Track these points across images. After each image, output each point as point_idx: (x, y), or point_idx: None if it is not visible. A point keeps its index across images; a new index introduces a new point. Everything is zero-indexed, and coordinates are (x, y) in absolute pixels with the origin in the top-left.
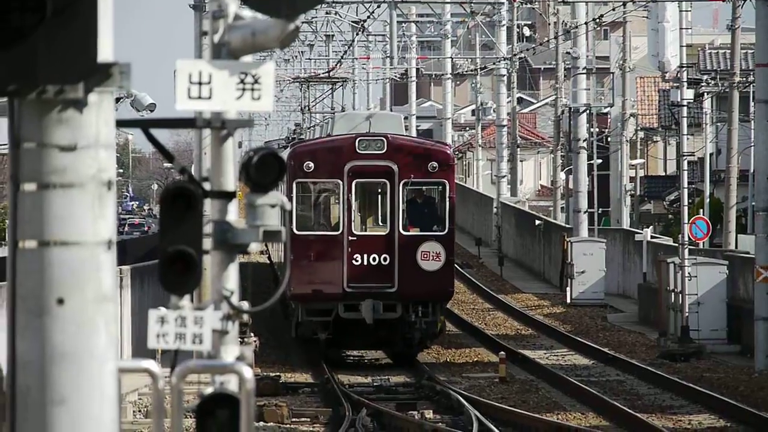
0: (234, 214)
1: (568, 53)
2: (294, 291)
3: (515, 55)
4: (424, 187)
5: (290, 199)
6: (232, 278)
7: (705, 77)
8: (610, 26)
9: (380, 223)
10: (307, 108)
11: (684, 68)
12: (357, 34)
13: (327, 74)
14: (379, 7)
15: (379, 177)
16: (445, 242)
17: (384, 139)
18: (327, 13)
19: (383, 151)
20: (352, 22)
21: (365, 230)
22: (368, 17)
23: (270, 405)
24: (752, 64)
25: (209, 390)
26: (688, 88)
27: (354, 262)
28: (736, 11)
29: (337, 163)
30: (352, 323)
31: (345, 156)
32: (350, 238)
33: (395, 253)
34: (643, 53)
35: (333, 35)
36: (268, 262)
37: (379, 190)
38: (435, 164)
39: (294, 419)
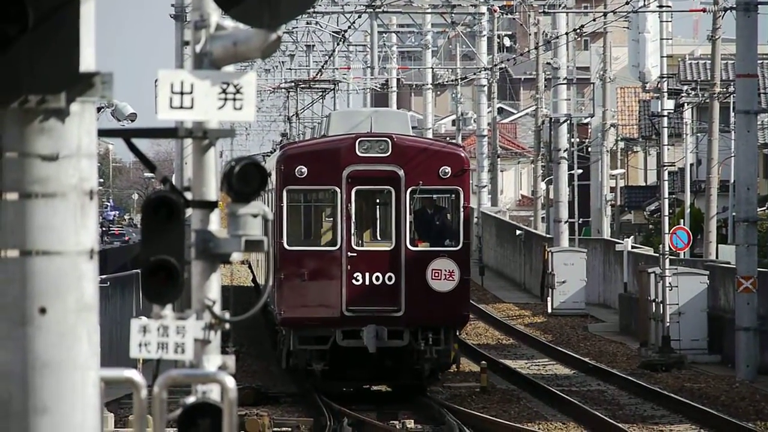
0: (216, 223)
1: (548, 64)
2: (284, 315)
3: (496, 65)
4: (434, 196)
5: (280, 209)
6: (214, 288)
7: (685, 88)
8: (590, 37)
9: (384, 237)
10: (295, 115)
11: (664, 79)
12: (338, 44)
13: (310, 82)
14: (360, 17)
15: (383, 184)
16: (459, 259)
17: (388, 139)
18: (308, 23)
19: (387, 154)
20: (332, 32)
21: (367, 245)
22: (349, 27)
23: (251, 415)
24: (732, 75)
25: (191, 399)
26: (668, 98)
27: (354, 281)
28: (717, 22)
29: (334, 168)
30: (352, 352)
31: (343, 159)
32: (349, 254)
33: (401, 271)
34: (623, 64)
35: (314, 45)
36: (252, 285)
37: (382, 200)
38: (447, 169)
39: (275, 429)
